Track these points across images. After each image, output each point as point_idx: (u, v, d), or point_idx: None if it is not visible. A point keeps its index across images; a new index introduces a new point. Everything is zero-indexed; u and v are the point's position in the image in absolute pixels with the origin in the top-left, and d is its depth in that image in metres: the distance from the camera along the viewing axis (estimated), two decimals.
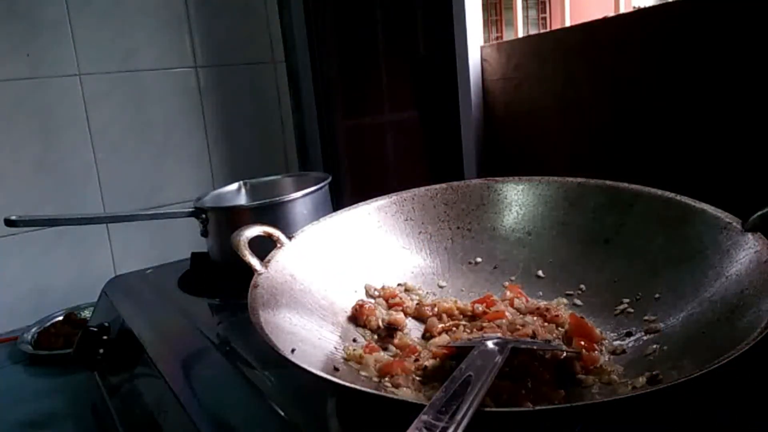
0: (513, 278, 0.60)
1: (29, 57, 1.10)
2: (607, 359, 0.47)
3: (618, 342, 0.49)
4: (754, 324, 0.38)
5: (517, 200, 0.64)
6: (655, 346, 0.45)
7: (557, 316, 0.52)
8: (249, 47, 1.34)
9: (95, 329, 0.74)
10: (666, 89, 0.69)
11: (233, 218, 0.83)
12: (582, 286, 0.56)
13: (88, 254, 1.20)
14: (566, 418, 0.36)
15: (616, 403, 0.35)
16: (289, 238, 0.57)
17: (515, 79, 0.88)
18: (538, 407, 0.37)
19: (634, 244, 0.55)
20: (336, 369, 0.44)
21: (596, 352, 0.47)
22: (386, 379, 0.45)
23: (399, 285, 0.60)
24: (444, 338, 0.51)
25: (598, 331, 0.50)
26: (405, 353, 0.49)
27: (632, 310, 0.51)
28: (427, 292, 0.60)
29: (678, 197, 0.54)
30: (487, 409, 0.35)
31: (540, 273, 0.60)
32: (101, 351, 0.73)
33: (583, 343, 0.47)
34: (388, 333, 0.53)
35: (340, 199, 1.25)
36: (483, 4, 0.92)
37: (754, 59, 0.61)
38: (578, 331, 0.49)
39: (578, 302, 0.55)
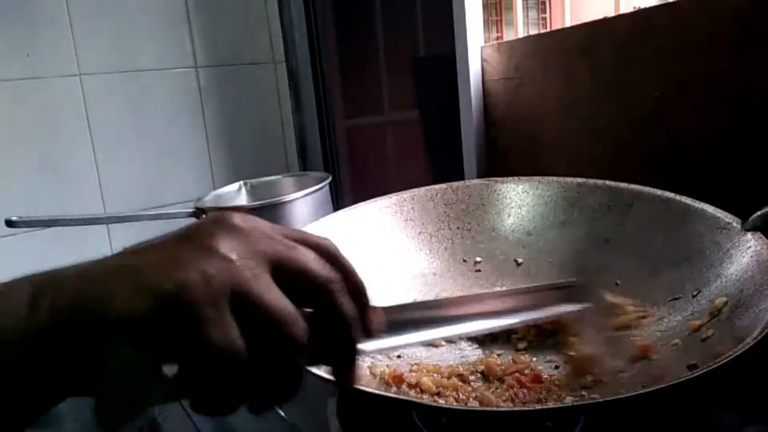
0: (512, 278, 0.60)
1: (29, 57, 1.10)
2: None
3: None
4: (754, 324, 0.38)
5: (517, 200, 0.64)
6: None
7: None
8: (249, 47, 1.34)
9: None
10: (666, 89, 0.69)
11: None
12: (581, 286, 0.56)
13: (88, 254, 1.18)
14: (567, 416, 0.36)
15: (616, 402, 0.35)
16: None
17: (516, 80, 0.88)
18: (539, 407, 0.37)
19: (634, 244, 0.55)
20: None
21: None
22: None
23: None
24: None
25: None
26: None
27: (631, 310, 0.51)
28: (426, 293, 0.60)
29: (678, 197, 0.54)
30: (488, 409, 0.35)
31: (540, 273, 0.60)
32: None
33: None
34: None
35: (340, 199, 1.25)
36: (483, 4, 0.92)
37: (754, 59, 0.61)
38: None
39: None
